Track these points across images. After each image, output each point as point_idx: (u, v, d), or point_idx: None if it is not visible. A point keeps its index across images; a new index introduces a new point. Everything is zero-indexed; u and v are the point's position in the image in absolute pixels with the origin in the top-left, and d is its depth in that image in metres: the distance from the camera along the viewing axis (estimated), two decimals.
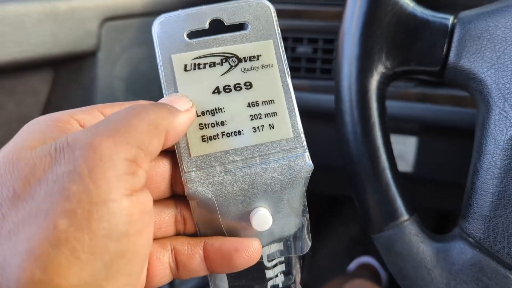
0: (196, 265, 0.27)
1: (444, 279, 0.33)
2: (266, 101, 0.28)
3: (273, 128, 0.28)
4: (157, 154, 0.24)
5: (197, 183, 0.27)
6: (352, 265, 1.11)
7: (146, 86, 0.71)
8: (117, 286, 0.21)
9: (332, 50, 0.67)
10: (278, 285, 0.30)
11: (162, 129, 0.23)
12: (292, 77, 0.80)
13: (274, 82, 0.28)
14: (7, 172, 0.20)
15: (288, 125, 0.28)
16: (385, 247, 0.34)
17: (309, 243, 0.29)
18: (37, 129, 0.22)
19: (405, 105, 0.64)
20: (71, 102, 0.63)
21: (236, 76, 0.28)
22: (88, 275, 0.19)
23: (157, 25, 0.28)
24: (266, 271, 0.30)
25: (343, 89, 0.35)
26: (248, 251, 0.27)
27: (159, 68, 0.28)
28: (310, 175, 0.28)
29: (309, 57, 0.67)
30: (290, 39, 0.68)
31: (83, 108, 0.24)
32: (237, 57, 0.28)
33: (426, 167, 0.74)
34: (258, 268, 0.29)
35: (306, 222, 0.29)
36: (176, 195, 0.28)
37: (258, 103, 0.28)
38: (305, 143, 0.28)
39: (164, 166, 0.27)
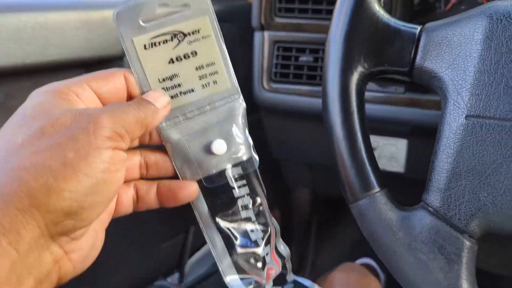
0: (151, 199, 0.37)
1: (407, 240, 0.39)
2: (209, 63, 0.37)
3: (216, 83, 0.37)
4: (135, 139, 0.35)
5: (167, 130, 0.37)
6: None
7: None
8: (97, 201, 0.30)
9: None
10: (247, 205, 0.39)
11: (144, 124, 0.33)
12: (295, 83, 0.88)
13: (213, 48, 0.36)
14: (37, 119, 0.30)
15: (227, 80, 0.37)
16: (359, 214, 0.41)
17: (257, 160, 0.39)
18: (49, 98, 0.32)
19: (395, 109, 0.71)
20: None
21: (185, 48, 0.36)
22: (82, 187, 0.29)
23: (117, 15, 0.34)
24: (233, 191, 0.39)
25: (329, 84, 0.43)
26: (189, 189, 0.37)
27: (124, 49, 0.35)
28: (245, 112, 0.38)
29: (310, 65, 0.75)
30: (294, 49, 0.76)
31: (74, 80, 0.33)
32: (183, 33, 0.35)
33: (417, 167, 0.80)
34: (227, 189, 0.38)
35: (251, 144, 0.38)
36: (141, 146, 0.38)
37: (203, 66, 0.36)
38: (239, 90, 0.37)
39: None
